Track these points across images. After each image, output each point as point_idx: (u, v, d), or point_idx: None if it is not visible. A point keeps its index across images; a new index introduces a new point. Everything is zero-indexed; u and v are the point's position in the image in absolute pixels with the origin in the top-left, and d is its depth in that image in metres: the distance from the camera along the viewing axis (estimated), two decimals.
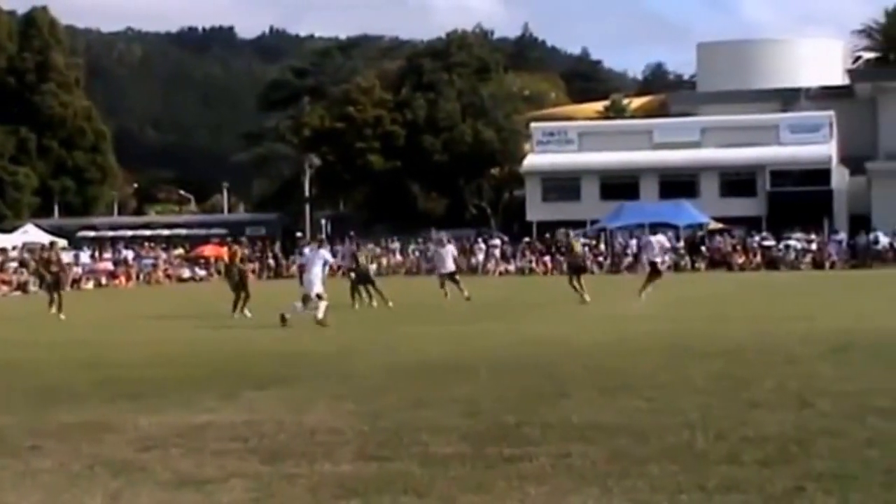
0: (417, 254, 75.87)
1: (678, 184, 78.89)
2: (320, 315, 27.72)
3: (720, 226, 72.57)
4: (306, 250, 33.31)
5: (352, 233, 54.94)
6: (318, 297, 28.53)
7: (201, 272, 73.72)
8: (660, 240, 39.83)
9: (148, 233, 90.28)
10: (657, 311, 31.57)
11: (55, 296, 35.94)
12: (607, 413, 13.44)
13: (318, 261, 30.00)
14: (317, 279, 29.26)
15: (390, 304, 35.38)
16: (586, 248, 57.38)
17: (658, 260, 37.42)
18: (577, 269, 36.37)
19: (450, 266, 38.56)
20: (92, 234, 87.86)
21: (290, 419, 13.62)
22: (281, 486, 9.93)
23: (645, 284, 34.72)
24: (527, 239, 76.58)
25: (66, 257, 68.18)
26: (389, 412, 14.01)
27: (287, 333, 27.39)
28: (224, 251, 62.86)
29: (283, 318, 27.73)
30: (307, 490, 9.70)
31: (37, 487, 10.18)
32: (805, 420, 12.67)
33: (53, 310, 34.93)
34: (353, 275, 37.70)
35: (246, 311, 32.90)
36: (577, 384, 16.11)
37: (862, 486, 9.26)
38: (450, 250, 40.28)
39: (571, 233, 44.55)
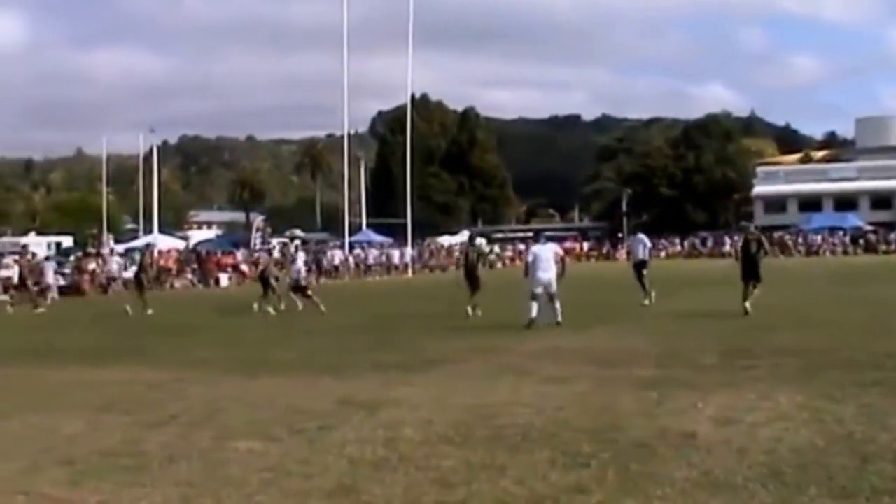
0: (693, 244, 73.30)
1: (844, 201, 78.12)
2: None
3: (871, 228, 71.47)
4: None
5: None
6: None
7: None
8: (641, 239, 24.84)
9: (531, 234, 78.15)
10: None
11: None
12: (801, 341, 13.05)
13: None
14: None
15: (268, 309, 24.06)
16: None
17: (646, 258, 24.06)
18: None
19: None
20: (500, 235, 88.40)
21: (613, 345, 13.34)
22: (608, 382, 9.78)
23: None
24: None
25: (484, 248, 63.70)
26: (668, 340, 13.65)
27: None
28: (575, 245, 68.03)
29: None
30: (626, 384, 9.50)
31: (467, 379, 10.45)
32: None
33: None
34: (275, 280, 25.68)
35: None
36: (781, 325, 15.33)
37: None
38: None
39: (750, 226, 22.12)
